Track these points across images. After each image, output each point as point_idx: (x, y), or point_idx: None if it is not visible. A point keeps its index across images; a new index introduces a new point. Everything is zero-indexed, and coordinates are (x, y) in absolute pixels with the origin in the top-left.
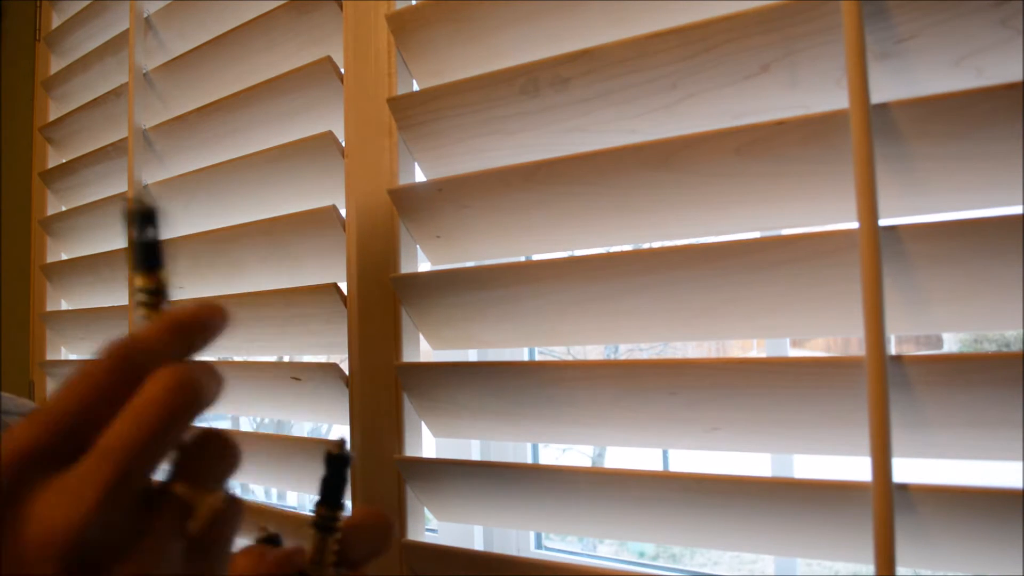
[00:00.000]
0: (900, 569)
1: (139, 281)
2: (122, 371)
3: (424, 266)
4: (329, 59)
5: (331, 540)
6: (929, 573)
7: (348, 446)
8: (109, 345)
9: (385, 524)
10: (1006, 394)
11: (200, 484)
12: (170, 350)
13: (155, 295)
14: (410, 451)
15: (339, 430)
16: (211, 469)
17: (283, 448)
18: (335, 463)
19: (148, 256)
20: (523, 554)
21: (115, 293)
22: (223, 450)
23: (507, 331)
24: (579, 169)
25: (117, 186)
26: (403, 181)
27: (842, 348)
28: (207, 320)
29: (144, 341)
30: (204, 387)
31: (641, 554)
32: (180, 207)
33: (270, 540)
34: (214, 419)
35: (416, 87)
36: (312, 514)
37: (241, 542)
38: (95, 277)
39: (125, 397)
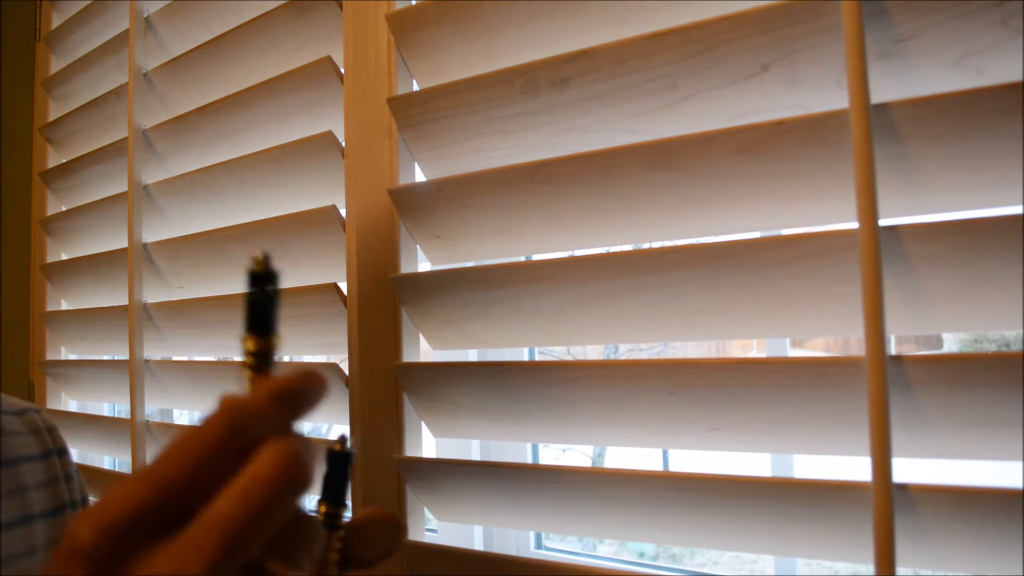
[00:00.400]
0: (900, 569)
1: (250, 344)
2: (230, 439)
3: (424, 266)
4: (329, 59)
5: (334, 538)
6: (929, 573)
7: (350, 443)
8: (217, 409)
9: (395, 524)
10: (1006, 394)
11: (291, 563)
12: (276, 420)
13: (263, 359)
14: (410, 451)
15: (339, 430)
16: (303, 549)
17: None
18: (337, 460)
19: (262, 319)
20: (523, 554)
21: (115, 293)
22: (312, 531)
23: (507, 331)
24: (579, 169)
25: (117, 186)
26: (403, 181)
27: (842, 348)
28: (311, 390)
29: (252, 409)
30: (310, 466)
31: (641, 554)
32: (180, 207)
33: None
34: None
35: (416, 87)
36: (314, 512)
37: None
38: (95, 277)
39: (231, 465)
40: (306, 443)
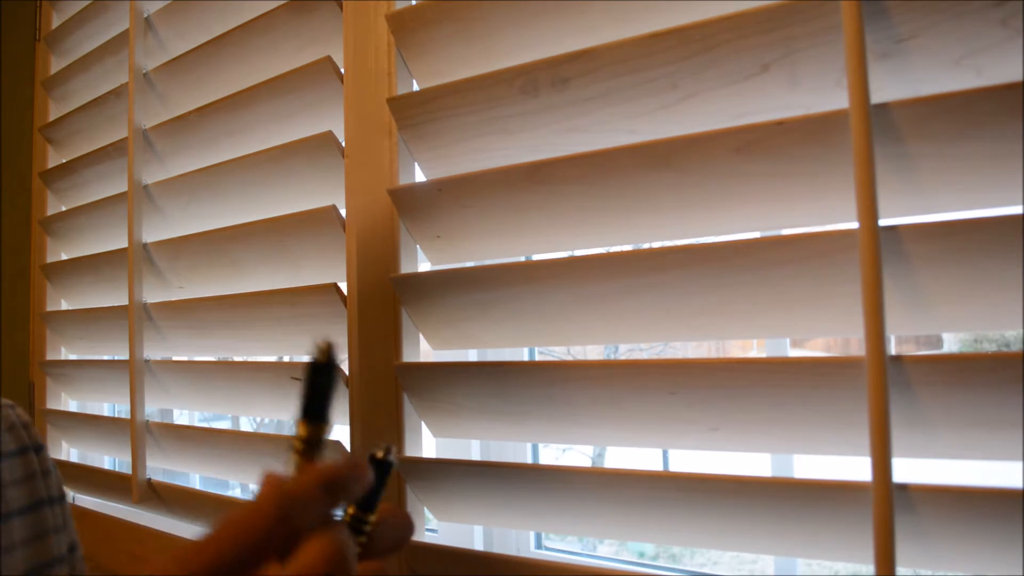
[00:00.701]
0: (900, 569)
1: (302, 430)
2: (279, 526)
3: (424, 266)
4: (329, 59)
5: (358, 540)
6: (929, 573)
7: (393, 453)
8: (266, 491)
9: (407, 522)
10: (1006, 394)
11: None
12: (321, 507)
13: (312, 446)
14: (410, 451)
15: (339, 430)
16: None
17: (283, 448)
18: (377, 468)
19: (318, 407)
20: (523, 554)
21: (115, 293)
22: None
23: (507, 331)
24: (579, 169)
25: (117, 186)
26: (403, 181)
27: (842, 348)
28: (354, 479)
29: (302, 500)
30: (353, 562)
31: (641, 554)
32: (180, 207)
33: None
34: (215, 420)
35: (416, 87)
36: (343, 514)
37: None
38: (95, 277)
39: (278, 548)
40: (348, 538)
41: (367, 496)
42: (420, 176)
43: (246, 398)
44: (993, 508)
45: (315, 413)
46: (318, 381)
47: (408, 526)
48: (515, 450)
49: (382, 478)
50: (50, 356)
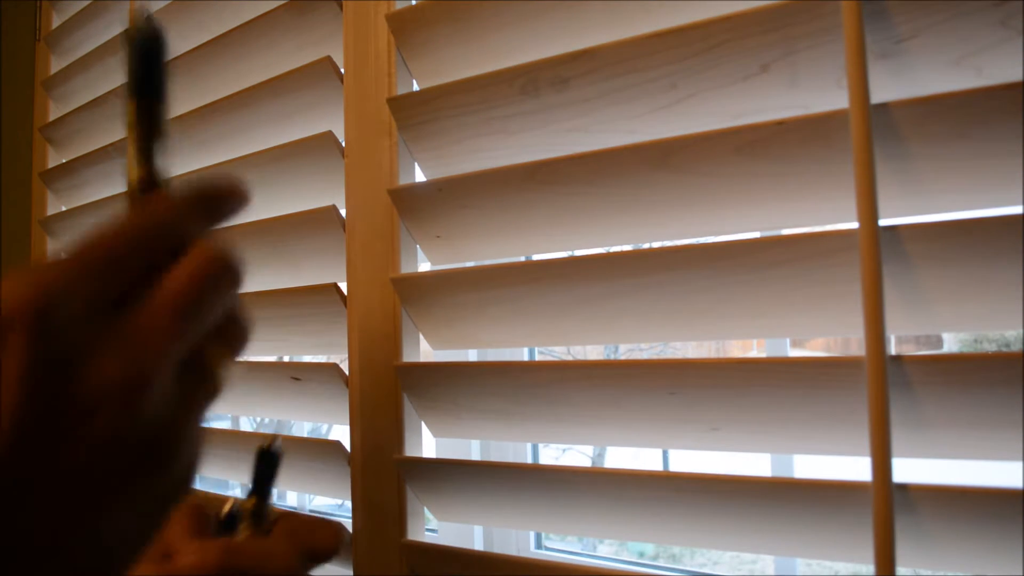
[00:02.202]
0: (900, 569)
1: (131, 108)
2: (155, 236)
3: (424, 266)
4: (329, 59)
5: (261, 528)
6: (929, 573)
7: (278, 444)
8: (138, 208)
9: (331, 530)
10: (1006, 394)
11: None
12: (196, 221)
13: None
14: (410, 451)
15: (339, 430)
16: (239, 345)
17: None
18: (265, 458)
19: (145, 85)
20: (523, 554)
21: None
22: (247, 326)
23: (507, 331)
24: (579, 169)
25: (117, 186)
26: (403, 181)
27: (842, 348)
28: (230, 195)
29: (172, 205)
30: (238, 262)
31: (641, 554)
32: None
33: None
34: (215, 420)
35: (416, 87)
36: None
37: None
38: None
39: (160, 260)
40: (230, 247)
41: (261, 485)
42: (420, 176)
43: (246, 398)
44: (993, 508)
45: (145, 90)
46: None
47: (330, 535)
48: (515, 450)
49: (272, 468)
50: None
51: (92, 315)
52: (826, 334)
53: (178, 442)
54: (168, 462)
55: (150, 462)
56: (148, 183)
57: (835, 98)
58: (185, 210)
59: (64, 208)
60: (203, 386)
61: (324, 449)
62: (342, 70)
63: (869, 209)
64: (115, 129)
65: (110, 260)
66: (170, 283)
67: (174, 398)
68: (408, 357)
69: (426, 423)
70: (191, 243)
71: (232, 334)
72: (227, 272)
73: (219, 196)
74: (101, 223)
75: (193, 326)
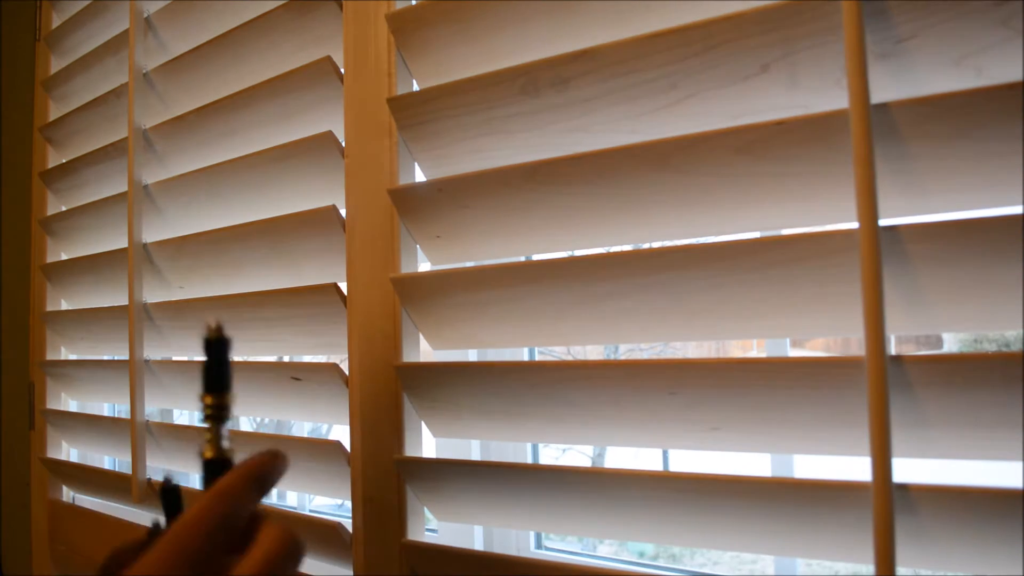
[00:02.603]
0: (900, 569)
1: (208, 399)
2: (225, 524)
3: (424, 266)
4: (329, 59)
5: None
6: (929, 573)
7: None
8: (208, 500)
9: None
10: (1006, 394)
11: None
12: (254, 500)
13: (219, 412)
14: (410, 451)
15: (339, 430)
16: None
17: (283, 448)
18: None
19: (218, 379)
20: (523, 554)
21: (115, 293)
22: None
23: (507, 331)
24: (579, 169)
25: (117, 186)
26: (403, 181)
27: (842, 348)
28: (276, 468)
29: (239, 499)
30: (302, 541)
31: (641, 554)
32: (180, 207)
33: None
34: None
35: (416, 87)
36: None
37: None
38: (95, 277)
39: (232, 542)
40: (291, 524)
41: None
42: (420, 176)
43: (246, 398)
44: (993, 508)
45: (216, 385)
46: (214, 355)
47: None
48: (515, 450)
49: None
50: (50, 356)
51: None
52: (826, 334)
53: None
54: None
55: None
56: (218, 461)
57: (835, 98)
58: (247, 493)
59: (64, 208)
60: None
61: (324, 449)
62: (342, 70)
63: (869, 209)
64: (115, 129)
65: (199, 551)
66: (248, 563)
67: None
68: (408, 357)
69: (426, 423)
70: (254, 519)
71: None
72: (294, 551)
73: (268, 472)
74: (185, 516)
75: None
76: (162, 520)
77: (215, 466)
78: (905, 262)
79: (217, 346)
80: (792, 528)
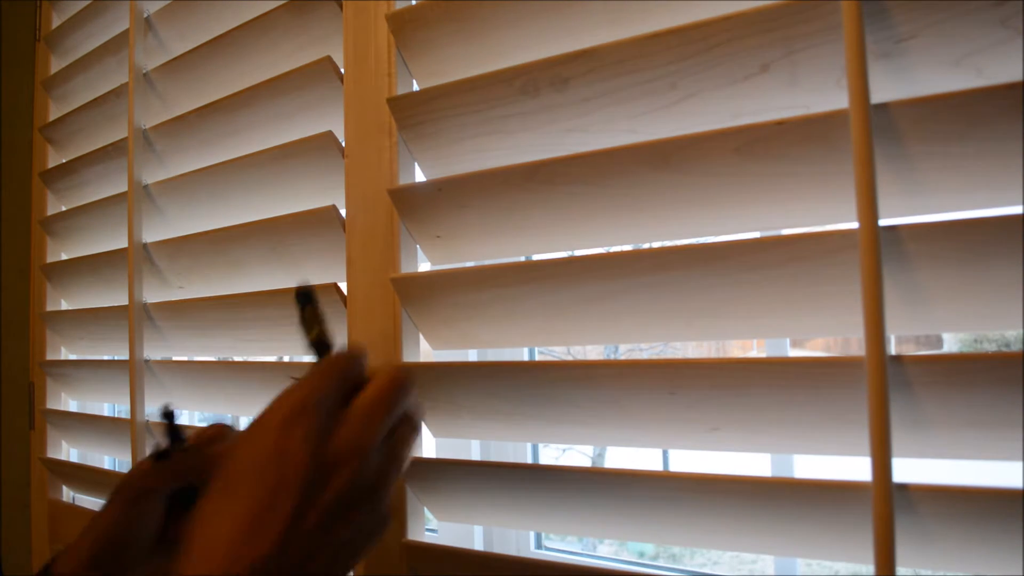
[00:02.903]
0: (900, 569)
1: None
2: (355, 372)
3: (424, 266)
4: (329, 59)
5: (319, 310)
6: (929, 573)
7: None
8: (332, 360)
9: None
10: (1006, 394)
11: None
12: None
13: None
14: None
15: None
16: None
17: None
18: (304, 297)
19: (308, 298)
20: (523, 554)
21: (115, 293)
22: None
23: (507, 331)
24: (579, 169)
25: (117, 186)
26: (403, 181)
27: (842, 348)
28: (364, 354)
29: (357, 357)
30: (409, 382)
31: (641, 554)
32: (180, 207)
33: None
34: (216, 419)
35: (416, 87)
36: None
37: None
38: (95, 277)
39: (356, 382)
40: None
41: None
42: (420, 176)
43: (246, 398)
44: (993, 508)
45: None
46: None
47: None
48: (515, 450)
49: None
50: (50, 356)
51: (334, 408)
52: (826, 334)
53: (384, 488)
54: (378, 503)
55: (370, 501)
56: (321, 341)
57: (835, 98)
58: (358, 359)
59: (64, 208)
60: (396, 453)
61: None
62: (342, 70)
63: (869, 209)
64: (115, 129)
65: (339, 379)
66: (370, 392)
67: (383, 458)
68: (408, 357)
69: (426, 423)
70: (367, 374)
71: (410, 421)
72: (402, 386)
73: (361, 355)
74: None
75: (388, 415)
76: (163, 443)
77: (321, 346)
78: (905, 262)
79: (305, 289)
80: (792, 528)
